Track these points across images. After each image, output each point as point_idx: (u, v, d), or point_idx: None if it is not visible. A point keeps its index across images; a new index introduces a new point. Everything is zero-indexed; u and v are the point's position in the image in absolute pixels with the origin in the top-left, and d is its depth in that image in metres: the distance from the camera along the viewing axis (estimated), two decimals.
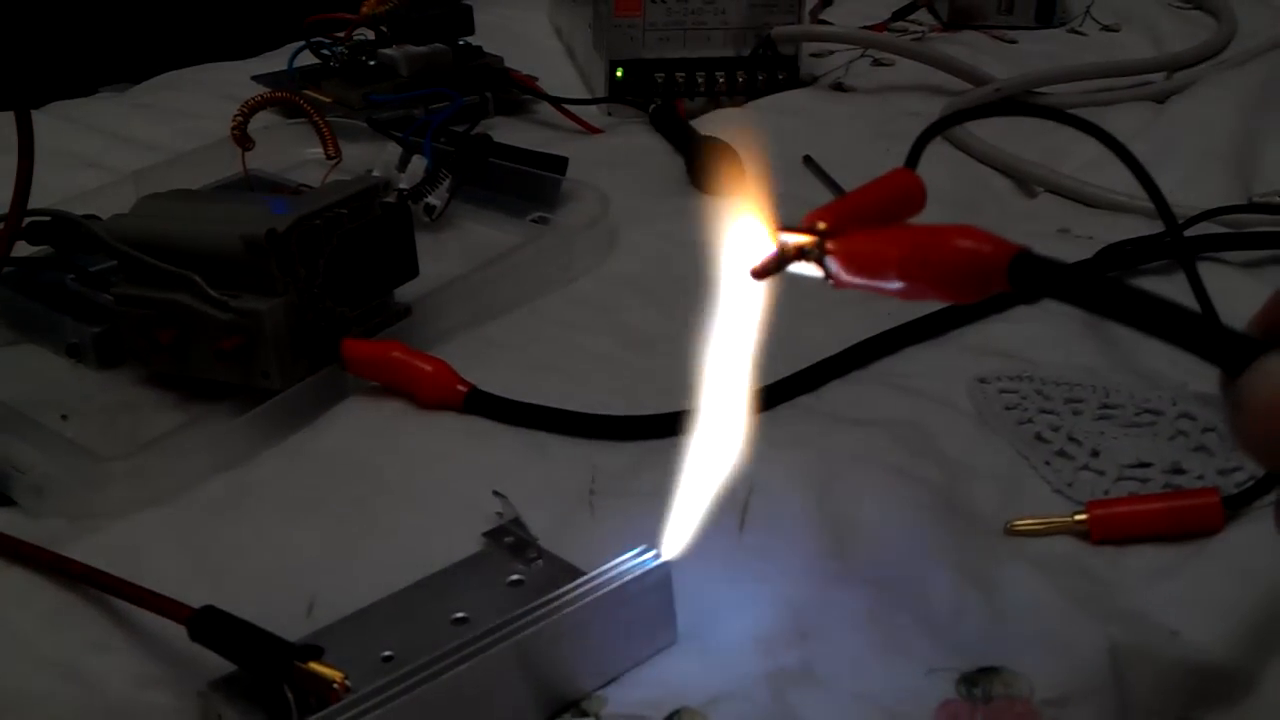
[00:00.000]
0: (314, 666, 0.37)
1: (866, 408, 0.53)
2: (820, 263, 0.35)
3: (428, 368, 0.54)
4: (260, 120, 0.74)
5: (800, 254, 0.36)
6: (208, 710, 0.39)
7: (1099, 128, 0.51)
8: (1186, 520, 0.46)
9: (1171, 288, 0.62)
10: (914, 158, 0.42)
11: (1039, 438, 0.51)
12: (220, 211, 0.55)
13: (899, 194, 0.38)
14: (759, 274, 0.36)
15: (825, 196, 0.74)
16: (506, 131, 0.83)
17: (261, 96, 0.73)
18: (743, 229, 0.37)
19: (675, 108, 0.86)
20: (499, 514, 0.45)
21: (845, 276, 0.35)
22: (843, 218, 0.36)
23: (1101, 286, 0.29)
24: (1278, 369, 0.27)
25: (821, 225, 0.35)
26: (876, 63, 0.97)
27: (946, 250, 0.32)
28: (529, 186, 0.71)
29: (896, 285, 0.34)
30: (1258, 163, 0.76)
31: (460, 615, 0.41)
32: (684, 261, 0.67)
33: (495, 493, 0.45)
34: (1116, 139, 0.50)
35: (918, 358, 0.57)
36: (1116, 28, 1.06)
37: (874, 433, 0.51)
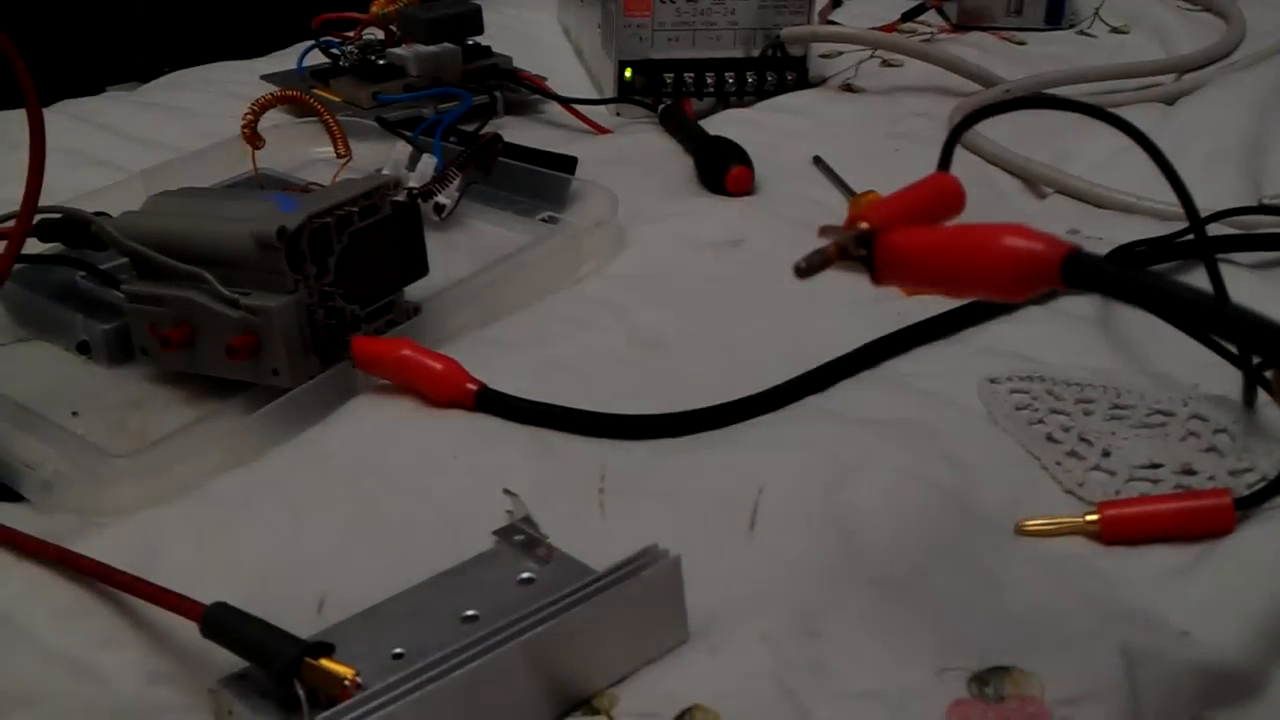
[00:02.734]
0: (325, 663, 0.37)
1: (876, 408, 0.53)
2: (866, 261, 0.35)
3: (438, 366, 0.54)
4: (270, 119, 0.74)
5: (845, 252, 0.35)
6: (219, 707, 0.39)
7: (1124, 120, 0.51)
8: (1198, 521, 0.45)
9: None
10: (946, 158, 0.42)
11: (1050, 438, 0.51)
12: (231, 209, 0.55)
13: (940, 197, 0.38)
14: (805, 271, 0.36)
15: (835, 197, 0.74)
16: (515, 131, 0.83)
17: (272, 95, 0.73)
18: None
19: (684, 108, 0.86)
20: (509, 512, 0.45)
21: (891, 275, 0.35)
22: (887, 216, 0.36)
23: (1155, 285, 0.29)
24: None
25: (866, 225, 0.35)
26: (885, 64, 0.97)
27: (998, 249, 0.32)
28: (538, 186, 0.72)
29: (943, 285, 0.34)
30: (1267, 165, 0.76)
31: (471, 613, 0.41)
32: (693, 261, 0.68)
33: (505, 491, 0.45)
34: (1140, 131, 0.50)
35: (927, 358, 0.57)
36: (1125, 29, 1.06)
37: (884, 433, 0.51)
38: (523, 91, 0.90)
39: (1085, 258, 0.31)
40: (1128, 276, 0.30)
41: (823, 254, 0.36)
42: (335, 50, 0.91)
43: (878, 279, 0.35)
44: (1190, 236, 0.64)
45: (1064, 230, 0.70)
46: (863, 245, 0.35)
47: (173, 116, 0.89)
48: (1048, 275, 0.31)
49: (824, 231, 0.36)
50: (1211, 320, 0.28)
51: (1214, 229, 0.65)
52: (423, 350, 0.54)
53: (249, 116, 0.71)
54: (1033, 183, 0.77)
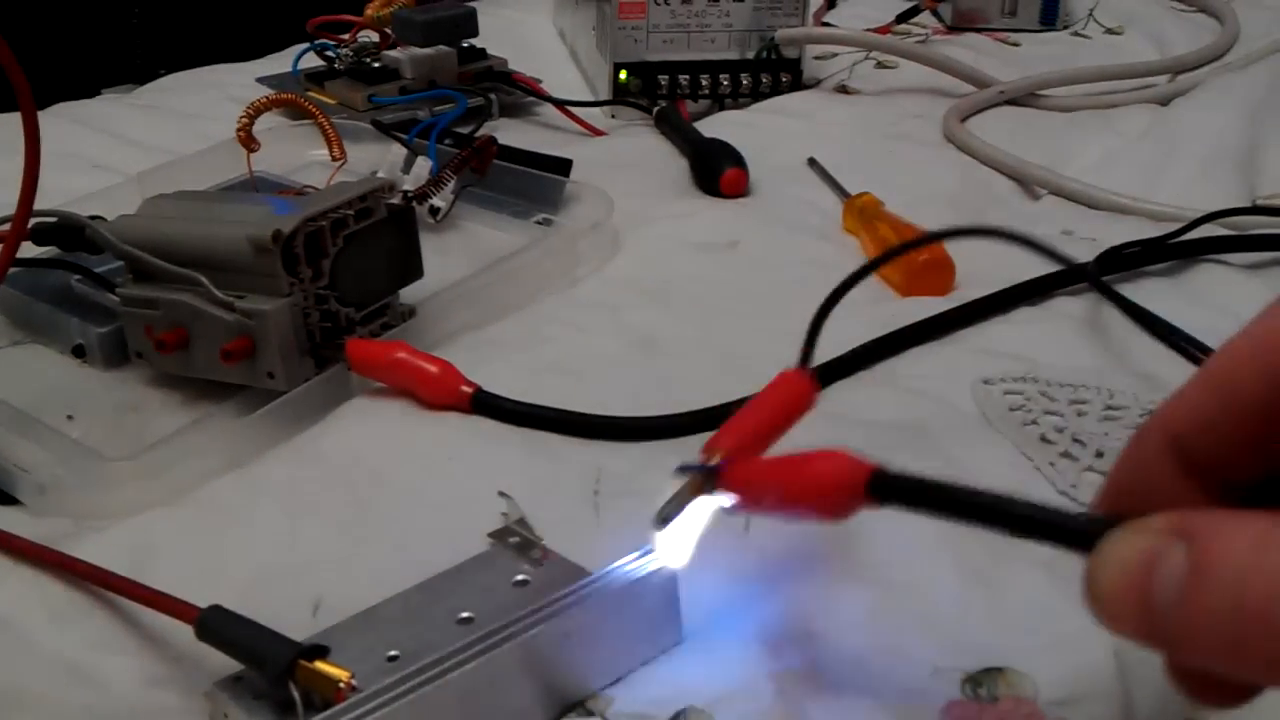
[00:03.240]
0: (320, 666, 0.37)
1: (871, 409, 0.53)
2: (721, 494, 0.37)
3: (433, 368, 0.54)
4: (265, 122, 0.74)
5: (701, 489, 0.37)
6: (214, 710, 0.39)
7: (999, 229, 0.50)
8: None
9: (1173, 289, 0.62)
10: (808, 351, 0.44)
11: (1043, 439, 0.51)
12: (226, 212, 0.55)
13: (789, 397, 0.41)
14: (664, 522, 0.37)
15: (829, 199, 0.74)
16: (510, 133, 0.83)
17: (267, 98, 0.73)
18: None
19: (679, 110, 0.86)
20: (504, 514, 0.45)
21: (742, 504, 0.36)
22: (740, 437, 0.38)
23: (949, 495, 0.30)
24: (1118, 552, 0.26)
25: (717, 459, 0.37)
26: (880, 65, 0.98)
27: (811, 475, 0.34)
28: (533, 188, 0.72)
29: (783, 512, 0.35)
30: (1261, 165, 0.76)
31: (466, 615, 0.41)
32: (688, 263, 0.68)
33: (500, 493, 0.45)
34: (1017, 233, 0.50)
35: (922, 359, 0.58)
36: (1119, 30, 1.07)
37: (878, 434, 0.51)
38: (518, 94, 0.90)
39: (886, 476, 0.32)
40: (925, 490, 0.31)
41: (679, 497, 0.37)
42: (330, 53, 0.91)
43: (735, 508, 0.37)
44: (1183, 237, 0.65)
45: (1058, 231, 0.70)
46: (713, 480, 0.37)
47: (168, 119, 0.89)
48: (857, 495, 0.32)
49: (679, 471, 0.38)
50: (1013, 522, 0.29)
51: (1207, 229, 0.66)
52: (418, 353, 0.54)
53: (244, 120, 0.71)
54: (1027, 184, 0.77)
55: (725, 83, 0.89)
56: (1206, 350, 0.55)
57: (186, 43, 1.22)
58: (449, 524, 0.46)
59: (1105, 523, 0.27)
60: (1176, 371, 0.54)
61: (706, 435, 0.52)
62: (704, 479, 0.37)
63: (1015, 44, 1.04)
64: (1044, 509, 0.29)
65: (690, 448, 0.51)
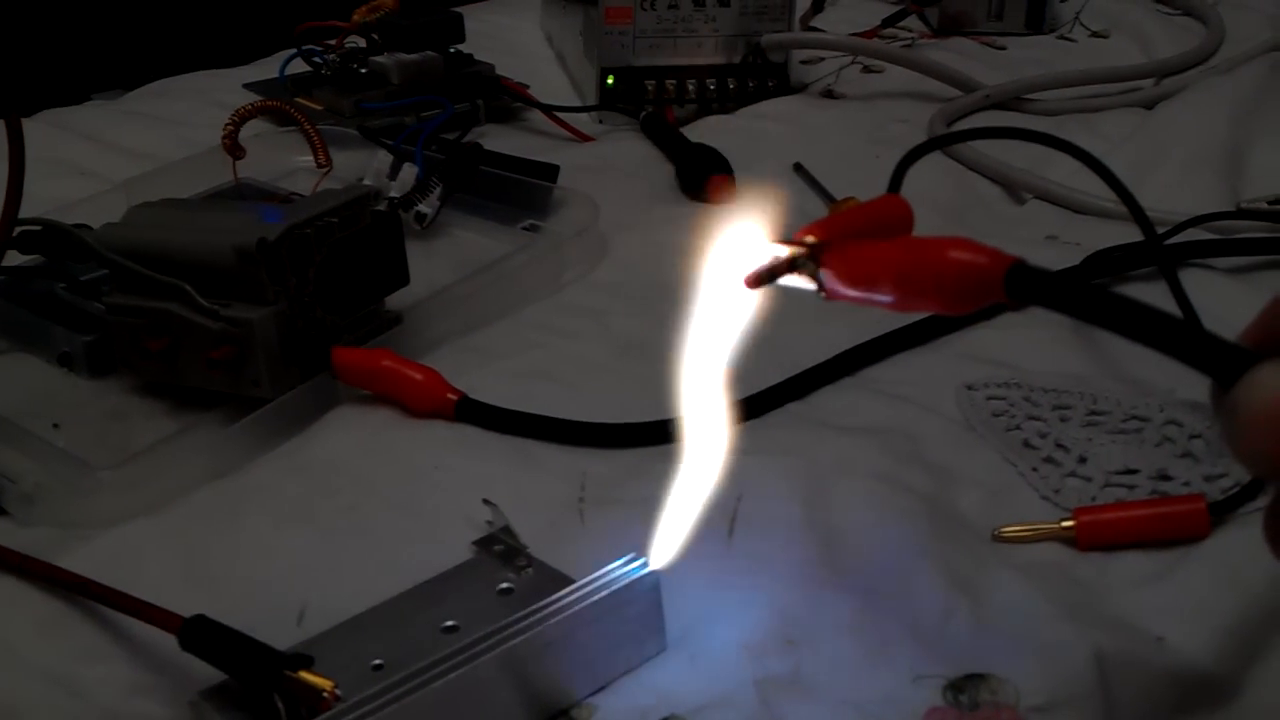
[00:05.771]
0: (304, 675, 0.37)
1: (855, 415, 0.54)
2: (813, 274, 0.35)
3: (418, 376, 0.54)
4: (251, 128, 0.74)
5: (793, 265, 0.36)
6: (198, 719, 0.39)
7: (1075, 145, 0.51)
8: (1173, 526, 0.46)
9: (1158, 294, 0.62)
10: (896, 181, 0.42)
11: (1026, 444, 0.51)
12: (211, 220, 0.55)
13: (888, 217, 0.39)
14: (752, 284, 0.36)
15: (816, 203, 0.74)
16: (497, 139, 0.83)
17: (253, 105, 0.74)
18: (737, 239, 0.37)
19: (666, 115, 0.86)
20: (489, 522, 0.45)
21: (838, 288, 0.35)
22: (834, 232, 0.36)
23: (1096, 297, 0.29)
24: (1271, 379, 0.27)
25: (812, 239, 0.36)
26: (866, 70, 0.98)
27: (942, 261, 0.32)
28: (520, 194, 0.72)
29: (889, 297, 0.34)
30: (1246, 169, 0.76)
31: (450, 624, 0.41)
32: (674, 269, 0.68)
33: (485, 501, 0.45)
34: (1093, 155, 0.50)
35: (906, 365, 0.58)
36: (1105, 34, 1.07)
37: (862, 440, 0.51)
38: (505, 99, 0.90)
39: (1027, 270, 0.31)
40: (1069, 289, 0.30)
41: (771, 266, 0.36)
42: (317, 59, 0.91)
43: (826, 293, 0.35)
44: (1172, 240, 0.65)
45: (1042, 236, 0.70)
46: (811, 258, 0.35)
47: (155, 125, 0.89)
48: (992, 288, 0.31)
49: (773, 244, 0.36)
50: (1155, 335, 0.28)
51: (1191, 233, 0.66)
52: (403, 360, 0.54)
53: (229, 127, 0.71)
54: (1013, 188, 0.78)
55: (711, 88, 0.89)
56: None
57: (174, 49, 1.22)
58: (434, 532, 0.47)
59: (1254, 355, 0.27)
60: (1160, 376, 0.55)
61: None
62: (803, 255, 0.35)
63: (1001, 48, 1.04)
64: (1192, 327, 0.28)
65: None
